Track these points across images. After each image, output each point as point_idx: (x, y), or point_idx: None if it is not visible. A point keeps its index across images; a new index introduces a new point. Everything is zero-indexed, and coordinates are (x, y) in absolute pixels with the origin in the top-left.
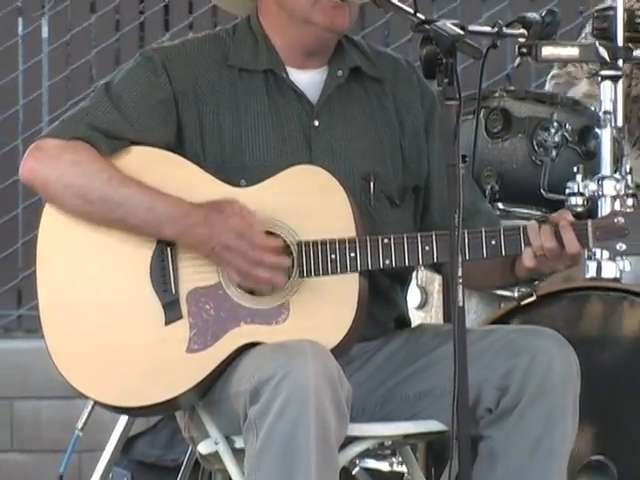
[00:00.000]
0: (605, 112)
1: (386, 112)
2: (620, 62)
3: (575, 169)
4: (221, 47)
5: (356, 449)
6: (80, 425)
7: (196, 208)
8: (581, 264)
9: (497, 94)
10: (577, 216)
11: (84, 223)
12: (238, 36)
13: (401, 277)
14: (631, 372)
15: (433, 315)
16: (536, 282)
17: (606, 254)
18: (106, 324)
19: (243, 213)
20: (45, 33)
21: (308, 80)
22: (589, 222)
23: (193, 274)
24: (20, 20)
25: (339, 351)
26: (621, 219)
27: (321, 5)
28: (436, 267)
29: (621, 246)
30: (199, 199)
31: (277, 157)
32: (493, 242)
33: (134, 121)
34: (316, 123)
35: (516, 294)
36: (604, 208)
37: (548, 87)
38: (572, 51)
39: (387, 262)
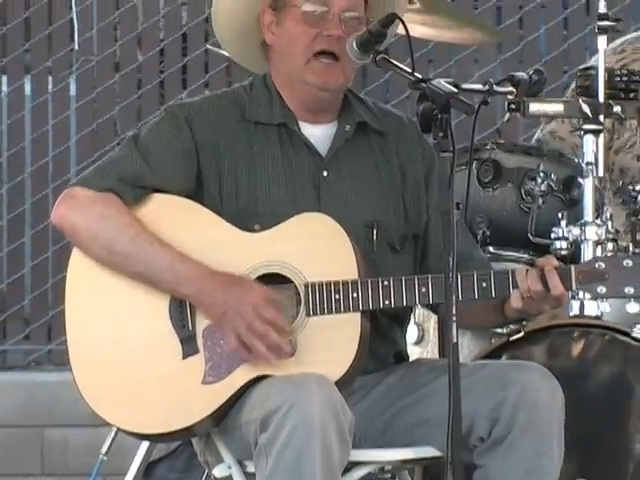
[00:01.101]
0: (588, 163)
1: (389, 165)
2: (601, 117)
3: (560, 215)
4: (239, 103)
5: (358, 473)
6: (104, 450)
7: (215, 274)
8: (565, 303)
9: (488, 147)
10: (562, 259)
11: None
12: (254, 92)
13: (400, 316)
14: (611, 403)
15: (429, 350)
16: (524, 322)
17: (588, 295)
18: (128, 358)
19: (260, 289)
20: (73, 91)
21: (319, 134)
22: (572, 267)
23: None
24: (50, 79)
25: (342, 383)
26: (602, 264)
27: (313, 66)
28: (432, 307)
29: (602, 289)
30: (216, 243)
31: (289, 205)
32: (484, 284)
33: (159, 171)
34: (325, 174)
35: (505, 331)
36: (587, 252)
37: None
38: (557, 107)
39: (387, 302)
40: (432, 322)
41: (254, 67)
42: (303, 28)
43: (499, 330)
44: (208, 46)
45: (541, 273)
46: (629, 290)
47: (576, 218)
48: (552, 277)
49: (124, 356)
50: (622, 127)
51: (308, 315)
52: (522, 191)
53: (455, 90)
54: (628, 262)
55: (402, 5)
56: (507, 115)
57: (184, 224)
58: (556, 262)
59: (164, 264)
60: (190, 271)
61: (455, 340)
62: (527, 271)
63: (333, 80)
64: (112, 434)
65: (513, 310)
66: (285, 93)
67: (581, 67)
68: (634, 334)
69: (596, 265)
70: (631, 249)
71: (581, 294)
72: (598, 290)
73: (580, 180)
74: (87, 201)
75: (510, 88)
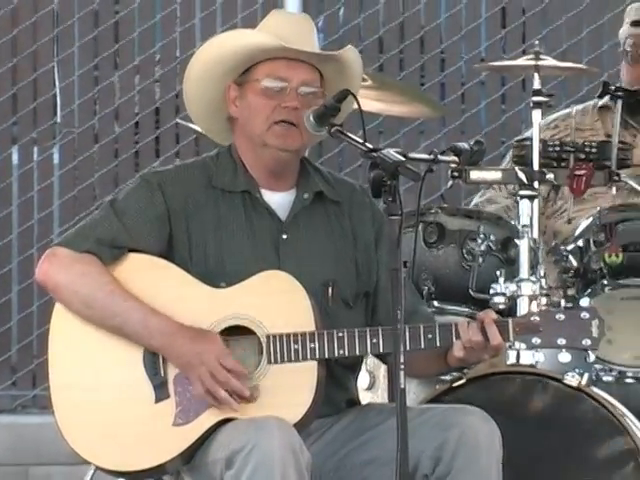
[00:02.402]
0: (523, 225)
1: (343, 230)
2: (536, 184)
3: (498, 273)
4: (207, 171)
5: None
6: None
7: (183, 329)
8: (503, 353)
9: (433, 210)
10: (500, 312)
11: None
12: (221, 162)
13: (352, 365)
14: (545, 445)
15: (379, 395)
16: (465, 370)
17: (524, 345)
18: (106, 402)
19: (223, 346)
20: (56, 160)
21: (279, 200)
22: (510, 320)
23: None
24: (35, 149)
25: (300, 426)
26: (537, 318)
27: (274, 130)
28: (381, 357)
29: (536, 340)
30: (185, 298)
31: (252, 264)
32: (429, 336)
33: (133, 233)
34: (284, 237)
35: (448, 378)
36: (522, 306)
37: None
38: (496, 175)
39: (341, 352)
40: (382, 370)
41: (220, 139)
42: (264, 100)
43: (442, 377)
44: (178, 120)
45: (481, 325)
46: (561, 341)
47: (513, 275)
48: (491, 329)
49: (102, 401)
50: (557, 195)
51: (269, 363)
52: (464, 251)
53: (403, 159)
54: (560, 316)
55: (356, 83)
56: (450, 182)
57: (156, 281)
58: (495, 315)
59: (137, 319)
60: (161, 325)
61: (403, 386)
62: (468, 323)
63: (291, 142)
64: (91, 472)
65: (455, 359)
66: (248, 161)
67: (517, 138)
68: (566, 381)
69: (531, 318)
70: (563, 304)
71: (517, 345)
72: (533, 341)
73: (516, 241)
74: (68, 260)
75: (453, 157)
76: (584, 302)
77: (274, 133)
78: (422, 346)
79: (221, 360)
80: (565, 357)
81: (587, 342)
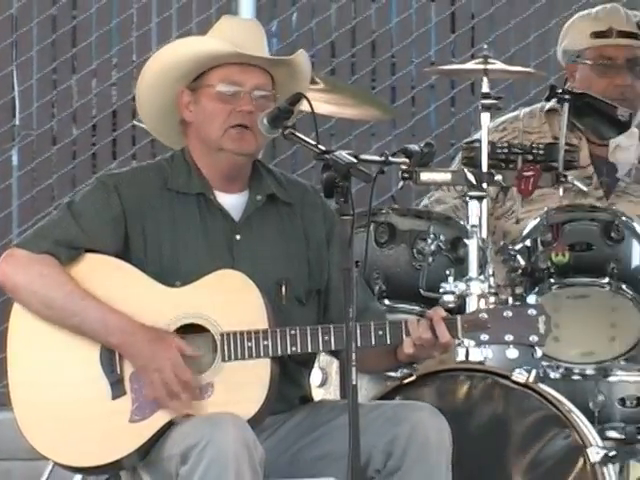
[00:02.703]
0: (472, 226)
1: (295, 230)
2: (484, 185)
3: (447, 272)
4: (162, 173)
5: None
6: None
7: (142, 328)
8: (452, 349)
9: (384, 211)
10: (449, 311)
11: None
12: (175, 164)
13: (305, 362)
14: (492, 439)
15: (332, 392)
16: (414, 365)
17: (473, 342)
18: (63, 400)
19: (180, 345)
20: (15, 161)
21: (232, 202)
22: (458, 317)
23: None
24: None
25: (254, 422)
26: (485, 315)
27: (229, 134)
28: (334, 353)
29: (484, 337)
30: (141, 297)
31: (206, 264)
32: (380, 333)
33: (90, 234)
34: (238, 237)
35: (399, 374)
36: (471, 304)
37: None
38: (445, 176)
39: (294, 349)
40: (334, 367)
41: (170, 142)
42: (219, 105)
43: (393, 374)
44: (135, 122)
45: (430, 323)
46: (509, 337)
47: (462, 274)
48: (440, 327)
49: (60, 398)
50: (505, 196)
51: (223, 361)
52: (414, 250)
53: (355, 161)
54: (508, 313)
55: (304, 85)
56: (401, 183)
57: (113, 280)
58: (444, 313)
59: (95, 317)
60: (120, 324)
61: (354, 383)
62: (418, 321)
63: (247, 145)
64: (49, 467)
65: (405, 355)
66: (202, 164)
67: (466, 140)
68: (513, 377)
69: (479, 315)
70: (510, 301)
71: (466, 342)
72: (481, 338)
73: (466, 241)
74: (26, 261)
75: (403, 159)
76: (531, 299)
77: (230, 137)
78: (373, 343)
79: (176, 371)
80: (513, 353)
81: (534, 338)
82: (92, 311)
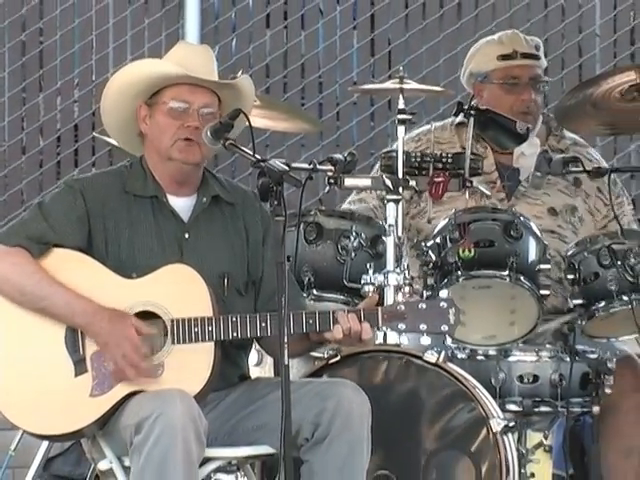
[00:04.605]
0: (390, 225)
1: (237, 229)
2: (400, 189)
3: (368, 266)
4: (121, 178)
5: (211, 466)
6: (13, 447)
7: (103, 309)
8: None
9: (312, 212)
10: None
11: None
12: (133, 170)
13: (244, 345)
14: (407, 412)
15: (267, 370)
16: (338, 348)
17: (391, 330)
18: (32, 375)
19: (137, 325)
20: None
21: (182, 204)
22: (379, 309)
23: None
24: None
25: (199, 397)
26: (402, 307)
27: (178, 145)
28: (262, 345)
29: (402, 326)
30: (102, 286)
31: (158, 258)
32: (311, 321)
33: (58, 231)
34: (186, 236)
35: (325, 355)
36: (389, 294)
37: (345, 206)
38: (366, 181)
39: (235, 334)
40: None
41: (132, 150)
42: (170, 120)
43: (320, 355)
44: (95, 134)
45: (357, 314)
46: (423, 327)
47: (380, 268)
48: (365, 325)
49: (28, 374)
50: (419, 199)
51: (173, 343)
52: (339, 247)
53: (287, 168)
54: (422, 305)
55: (249, 104)
56: (327, 188)
57: (78, 272)
58: (374, 305)
59: (62, 301)
60: (83, 306)
61: (286, 363)
62: (347, 312)
63: (192, 156)
64: (19, 435)
65: (335, 340)
66: (156, 170)
67: (385, 150)
68: (425, 357)
69: (397, 307)
70: (425, 294)
71: (385, 328)
72: (399, 327)
73: (384, 238)
74: (1, 253)
75: (330, 167)
76: (443, 293)
77: (178, 148)
78: (304, 329)
79: (134, 345)
80: (426, 340)
81: (445, 328)
82: (59, 296)
